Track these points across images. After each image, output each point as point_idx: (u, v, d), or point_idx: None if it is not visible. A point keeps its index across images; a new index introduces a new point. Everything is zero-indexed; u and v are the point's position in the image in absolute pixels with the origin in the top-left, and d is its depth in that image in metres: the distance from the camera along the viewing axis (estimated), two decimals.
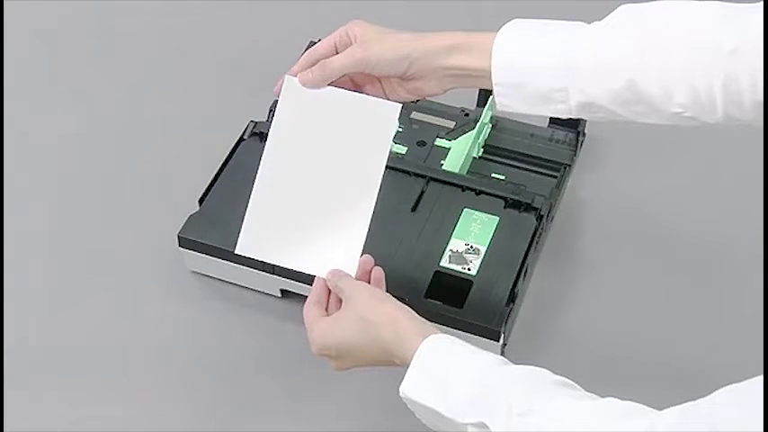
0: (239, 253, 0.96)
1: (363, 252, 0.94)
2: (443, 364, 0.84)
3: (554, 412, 0.78)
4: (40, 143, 1.31)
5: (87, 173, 1.27)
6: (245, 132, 1.21)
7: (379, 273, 0.95)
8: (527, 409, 0.78)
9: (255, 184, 0.96)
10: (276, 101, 1.24)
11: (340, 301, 0.93)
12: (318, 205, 0.95)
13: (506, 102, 0.91)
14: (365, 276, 0.95)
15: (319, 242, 0.95)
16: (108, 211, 1.23)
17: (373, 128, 0.94)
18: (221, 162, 1.18)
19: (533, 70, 0.88)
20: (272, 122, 0.96)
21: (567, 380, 0.82)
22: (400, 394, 0.85)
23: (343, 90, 0.94)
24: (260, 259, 1.00)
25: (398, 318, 0.88)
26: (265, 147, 0.96)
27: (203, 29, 1.45)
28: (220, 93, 1.37)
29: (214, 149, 1.21)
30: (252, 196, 0.96)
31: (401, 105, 0.94)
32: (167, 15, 1.47)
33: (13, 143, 1.29)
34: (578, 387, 0.81)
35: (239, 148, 1.20)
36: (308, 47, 1.31)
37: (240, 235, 0.96)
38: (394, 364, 0.88)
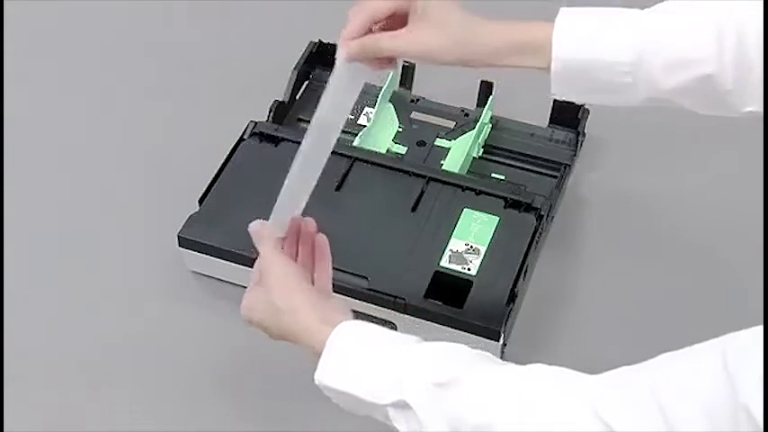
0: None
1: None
2: (357, 348, 0.80)
3: (480, 381, 0.75)
4: (40, 143, 1.31)
5: (87, 173, 1.27)
6: (245, 132, 1.21)
7: (321, 240, 0.91)
8: (449, 379, 0.74)
9: (290, 169, 0.94)
10: (276, 100, 1.25)
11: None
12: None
13: (563, 92, 0.89)
14: (293, 236, 0.91)
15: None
16: (108, 211, 1.23)
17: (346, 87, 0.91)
18: (221, 162, 1.18)
19: (598, 66, 0.86)
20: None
21: (487, 353, 0.78)
22: (316, 382, 0.81)
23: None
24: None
25: (303, 308, 0.84)
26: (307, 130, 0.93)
27: (204, 29, 1.45)
28: (220, 93, 1.36)
29: (214, 149, 1.21)
30: (286, 182, 0.93)
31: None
32: (167, 15, 1.47)
33: (13, 143, 1.29)
34: (500, 360, 0.78)
35: (239, 148, 1.20)
36: (309, 47, 1.31)
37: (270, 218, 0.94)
38: (307, 351, 0.84)
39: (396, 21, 0.89)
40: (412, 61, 1.27)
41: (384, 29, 0.89)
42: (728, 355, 0.63)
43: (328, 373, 0.80)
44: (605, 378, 0.70)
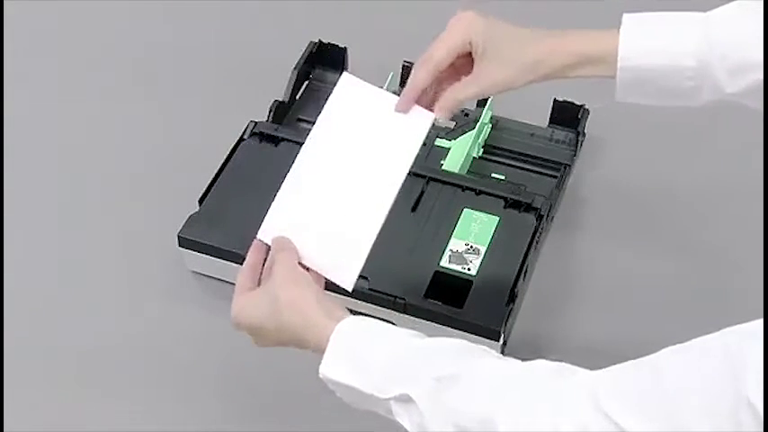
0: (260, 238, 0.94)
1: (369, 254, 0.92)
2: (360, 342, 0.81)
3: (482, 375, 0.75)
4: (40, 143, 1.31)
5: (87, 173, 1.27)
6: (245, 132, 1.21)
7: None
8: (451, 373, 0.75)
9: (288, 174, 0.95)
10: (276, 100, 1.25)
11: (269, 274, 0.90)
12: (337, 205, 0.94)
13: (626, 96, 0.91)
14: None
15: (329, 243, 0.93)
16: (108, 211, 1.23)
17: (404, 134, 0.93)
18: (221, 162, 1.18)
19: (663, 72, 0.88)
20: (320, 116, 0.94)
21: (489, 348, 0.79)
22: (320, 376, 0.82)
23: (389, 94, 0.94)
24: None
25: (307, 302, 0.84)
26: (307, 139, 0.95)
27: (204, 29, 1.45)
28: (220, 93, 1.36)
29: (214, 149, 1.21)
30: (282, 185, 0.95)
31: (434, 116, 0.92)
32: (168, 15, 1.47)
33: (13, 143, 1.29)
34: (501, 355, 0.79)
35: (239, 148, 1.20)
36: (309, 47, 1.31)
37: (263, 222, 0.95)
38: (309, 349, 0.84)
39: (460, 62, 0.92)
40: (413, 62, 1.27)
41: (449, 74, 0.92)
42: (730, 347, 0.63)
43: (332, 368, 0.81)
44: (607, 372, 0.70)
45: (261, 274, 0.91)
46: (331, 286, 0.94)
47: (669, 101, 0.90)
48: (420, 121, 0.92)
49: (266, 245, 0.93)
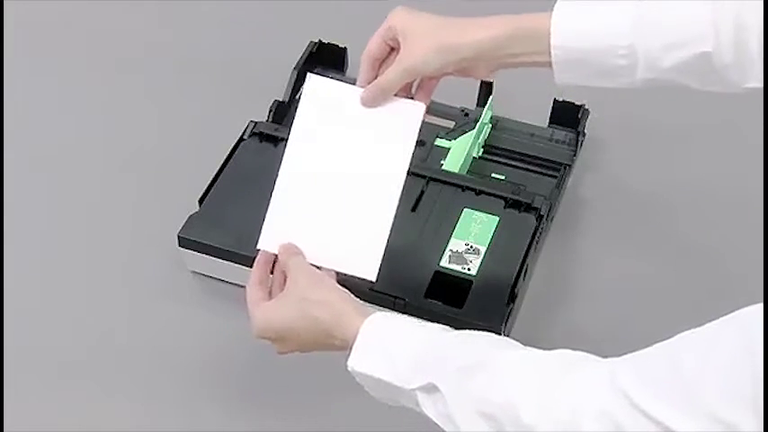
0: (260, 248, 0.96)
1: None
2: (388, 336, 0.84)
3: (505, 363, 0.78)
4: (39, 143, 1.31)
5: (87, 173, 1.27)
6: (245, 132, 1.21)
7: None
8: (476, 362, 0.78)
9: (278, 179, 0.96)
10: (276, 100, 1.25)
11: (283, 282, 0.92)
12: (341, 202, 0.95)
13: (564, 78, 0.91)
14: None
15: (341, 239, 0.95)
16: (108, 211, 1.23)
17: (398, 126, 0.95)
18: (221, 162, 1.18)
19: (596, 52, 0.89)
20: (294, 119, 0.97)
21: (513, 340, 0.82)
22: (348, 369, 0.84)
23: (359, 88, 0.95)
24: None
25: (337, 298, 0.88)
26: (287, 142, 0.96)
27: (204, 29, 1.45)
28: (220, 93, 1.36)
29: (214, 149, 1.21)
30: (274, 191, 0.96)
31: (425, 105, 0.95)
32: (168, 15, 1.47)
33: (13, 143, 1.29)
34: (523, 346, 0.81)
35: (239, 148, 1.20)
36: (309, 47, 1.31)
37: (262, 229, 0.96)
38: (334, 347, 0.87)
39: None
40: None
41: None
42: (744, 325, 0.64)
43: (361, 360, 0.84)
44: (627, 358, 0.72)
45: (270, 286, 0.93)
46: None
47: (607, 81, 0.91)
48: (411, 112, 0.94)
49: (269, 255, 0.93)
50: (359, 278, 0.95)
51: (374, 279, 0.95)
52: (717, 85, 0.89)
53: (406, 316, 0.86)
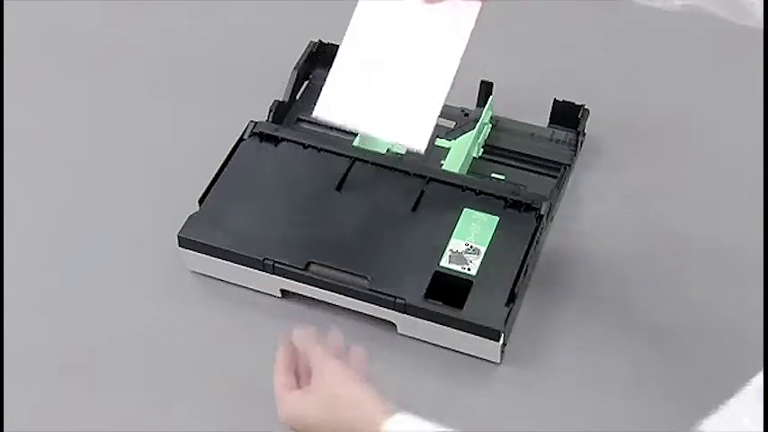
0: (316, 116, 1.01)
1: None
2: None
3: None
4: (40, 143, 1.31)
5: (87, 173, 1.27)
6: (245, 132, 1.21)
7: (360, 355, 0.92)
8: None
9: (340, 48, 1.01)
10: (276, 100, 1.25)
11: (308, 369, 0.91)
12: (398, 74, 0.99)
13: None
14: (336, 350, 0.92)
15: (395, 109, 0.99)
16: (108, 211, 1.23)
17: (456, 17, 0.98)
18: (221, 162, 1.18)
19: None
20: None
21: None
22: None
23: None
24: (336, 123, 1.04)
25: (365, 397, 0.87)
26: (355, 12, 1.01)
27: (203, 29, 1.45)
28: (220, 93, 1.36)
29: (214, 149, 1.21)
30: (336, 60, 1.00)
31: (480, 4, 0.98)
32: (168, 15, 1.47)
33: (13, 143, 1.29)
34: None
35: (239, 148, 1.20)
36: (309, 47, 1.31)
37: (319, 99, 1.00)
38: None
39: None
40: None
41: None
42: None
43: None
44: None
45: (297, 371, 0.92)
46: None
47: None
48: (468, 7, 0.98)
49: (292, 343, 0.92)
50: (408, 148, 1.02)
51: (423, 149, 0.99)
52: (748, 18, 0.90)
53: (428, 423, 0.84)
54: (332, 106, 0.99)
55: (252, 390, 1.07)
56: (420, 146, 0.99)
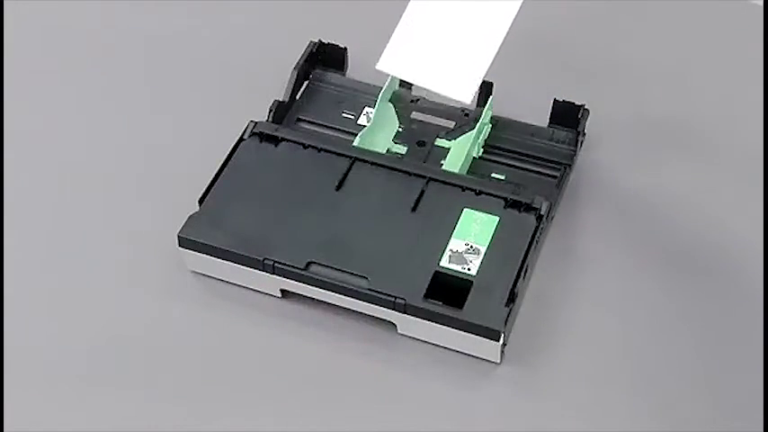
0: (379, 68, 1.13)
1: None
2: None
3: None
4: (39, 143, 1.31)
5: (87, 172, 1.27)
6: (245, 132, 1.21)
7: None
8: None
9: (408, 6, 1.11)
10: (276, 100, 1.25)
11: None
12: (454, 29, 1.09)
13: None
14: None
15: (446, 62, 1.09)
16: (108, 211, 1.23)
17: None
18: (221, 162, 1.18)
19: None
20: None
21: None
22: None
23: None
24: (396, 75, 1.17)
25: None
26: None
27: (203, 29, 1.45)
28: (220, 93, 1.36)
29: (214, 149, 1.21)
30: (402, 18, 1.11)
31: None
32: (168, 15, 1.47)
33: (12, 143, 1.29)
34: None
35: (239, 148, 1.20)
36: (309, 47, 1.31)
37: (382, 54, 1.11)
38: None
39: None
40: None
41: None
42: None
43: None
44: None
45: None
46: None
47: None
48: None
49: None
50: (454, 99, 1.11)
51: (468, 101, 1.10)
52: None
53: None
54: (393, 61, 1.11)
55: (252, 390, 1.08)
56: (466, 98, 1.09)
